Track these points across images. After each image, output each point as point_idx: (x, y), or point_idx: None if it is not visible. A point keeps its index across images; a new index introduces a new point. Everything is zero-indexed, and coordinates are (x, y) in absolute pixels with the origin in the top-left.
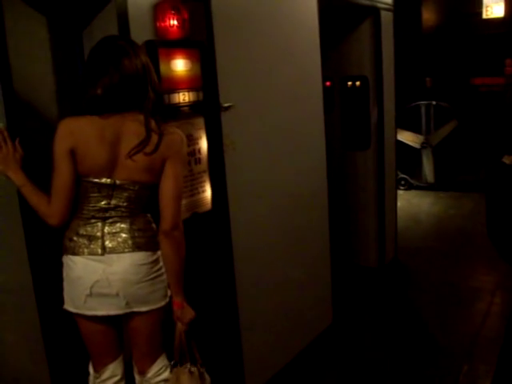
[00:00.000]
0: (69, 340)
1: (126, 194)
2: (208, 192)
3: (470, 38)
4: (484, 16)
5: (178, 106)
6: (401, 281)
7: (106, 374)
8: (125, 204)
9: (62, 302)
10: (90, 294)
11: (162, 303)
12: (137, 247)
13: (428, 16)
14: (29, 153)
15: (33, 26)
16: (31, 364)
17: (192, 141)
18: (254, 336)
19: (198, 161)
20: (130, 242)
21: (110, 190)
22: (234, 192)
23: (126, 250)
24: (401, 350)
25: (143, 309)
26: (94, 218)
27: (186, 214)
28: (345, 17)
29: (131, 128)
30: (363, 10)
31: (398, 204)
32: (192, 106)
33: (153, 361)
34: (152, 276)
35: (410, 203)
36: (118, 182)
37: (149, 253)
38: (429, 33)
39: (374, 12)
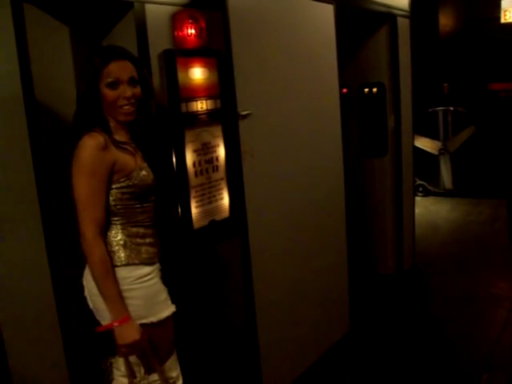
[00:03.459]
0: (90, 350)
1: None
2: (226, 199)
3: (488, 42)
4: (502, 20)
5: (195, 114)
6: (419, 288)
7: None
8: None
9: (82, 312)
10: None
11: None
12: None
13: (445, 21)
14: (48, 159)
15: (56, 36)
16: (51, 375)
17: (210, 148)
18: (271, 344)
19: (216, 168)
20: None
21: None
22: (251, 199)
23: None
24: (419, 358)
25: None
26: None
27: (204, 222)
28: (361, 24)
29: None
30: (380, 16)
31: (416, 211)
32: (210, 113)
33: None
34: None
35: (428, 210)
36: None
37: None
38: (446, 38)
39: (391, 19)
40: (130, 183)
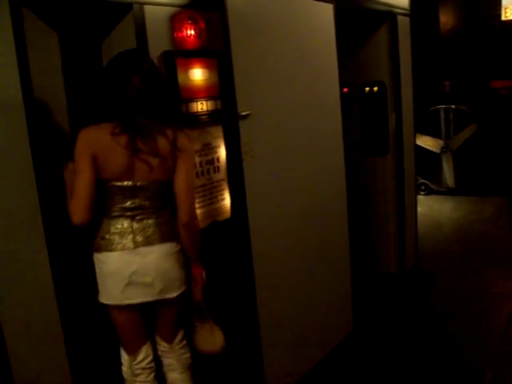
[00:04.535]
0: (93, 351)
1: (147, 194)
2: (227, 200)
3: (489, 40)
4: (503, 18)
5: (196, 115)
6: (422, 287)
7: (141, 355)
8: (147, 202)
9: (86, 313)
10: (129, 284)
11: (184, 288)
12: (164, 239)
13: (446, 19)
14: (43, 157)
15: (47, 40)
16: (53, 376)
17: (210, 149)
18: (274, 344)
19: (217, 169)
20: (157, 234)
21: (133, 192)
22: (252, 199)
23: (155, 242)
24: (423, 357)
25: (174, 294)
26: (122, 216)
27: (205, 223)
28: (361, 23)
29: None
30: (380, 15)
31: (419, 209)
32: (210, 114)
33: (177, 332)
34: (179, 264)
35: (431, 208)
36: (138, 183)
37: (174, 243)
38: (447, 36)
39: (391, 17)
40: None
